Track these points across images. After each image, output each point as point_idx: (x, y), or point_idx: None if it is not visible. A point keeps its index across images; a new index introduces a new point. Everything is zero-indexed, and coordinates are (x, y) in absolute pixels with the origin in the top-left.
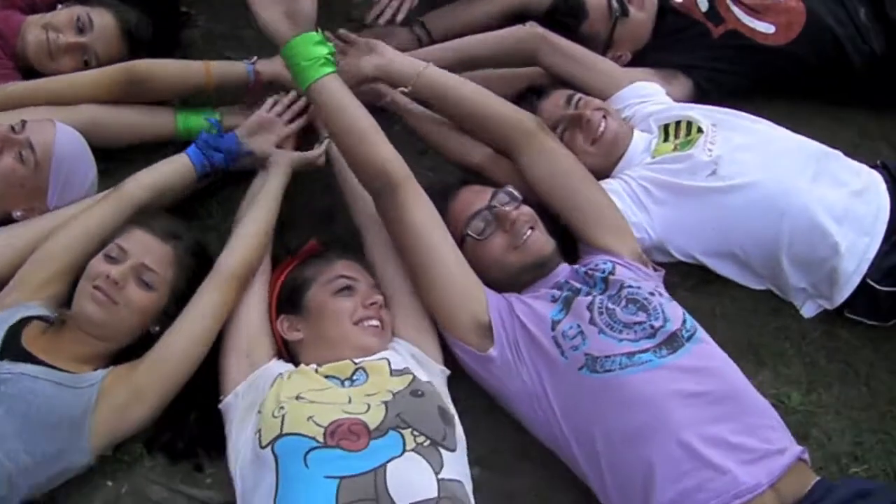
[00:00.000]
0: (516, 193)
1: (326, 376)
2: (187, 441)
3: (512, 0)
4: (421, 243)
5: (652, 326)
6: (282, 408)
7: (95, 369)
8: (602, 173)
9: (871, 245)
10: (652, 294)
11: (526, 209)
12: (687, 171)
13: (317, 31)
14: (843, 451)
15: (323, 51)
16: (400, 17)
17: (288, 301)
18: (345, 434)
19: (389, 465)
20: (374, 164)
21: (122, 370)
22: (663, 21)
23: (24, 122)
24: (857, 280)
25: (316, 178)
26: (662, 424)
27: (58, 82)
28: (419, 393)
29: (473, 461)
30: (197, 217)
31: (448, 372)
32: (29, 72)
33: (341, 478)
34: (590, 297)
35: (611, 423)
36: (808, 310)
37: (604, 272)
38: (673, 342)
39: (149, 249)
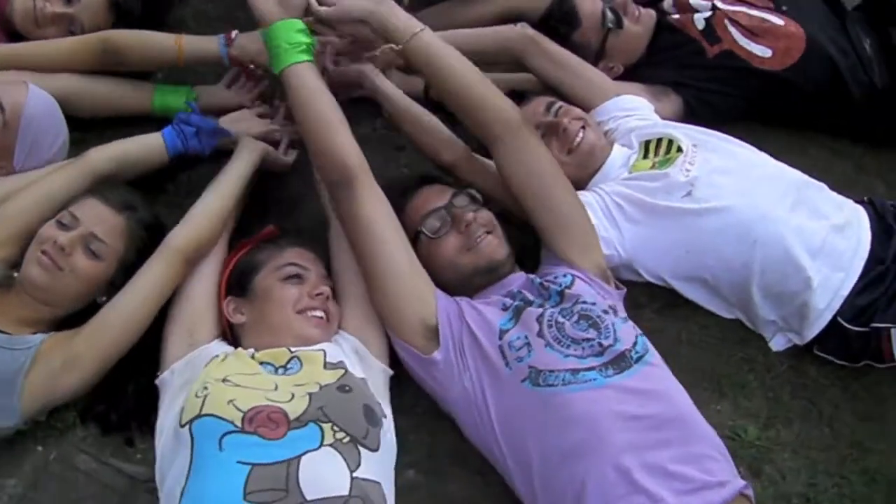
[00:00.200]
0: (477, 196)
1: (261, 362)
2: (121, 414)
3: (507, 3)
4: (372, 239)
5: (601, 344)
6: (206, 388)
7: (36, 333)
8: (576, 185)
9: (845, 282)
10: (606, 312)
11: (485, 213)
12: (662, 191)
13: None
14: (796, 491)
15: (304, 39)
16: None
17: (237, 283)
18: (263, 421)
19: (304, 458)
20: (334, 154)
21: (61, 336)
22: (659, 37)
23: None
24: (828, 317)
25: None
26: (599, 445)
27: (35, 47)
28: (346, 388)
29: (410, 463)
30: (165, 192)
31: (391, 372)
32: (15, 35)
33: (254, 465)
34: (541, 310)
35: (547, 439)
36: (777, 343)
37: (561, 286)
38: (620, 362)
39: (100, 219)
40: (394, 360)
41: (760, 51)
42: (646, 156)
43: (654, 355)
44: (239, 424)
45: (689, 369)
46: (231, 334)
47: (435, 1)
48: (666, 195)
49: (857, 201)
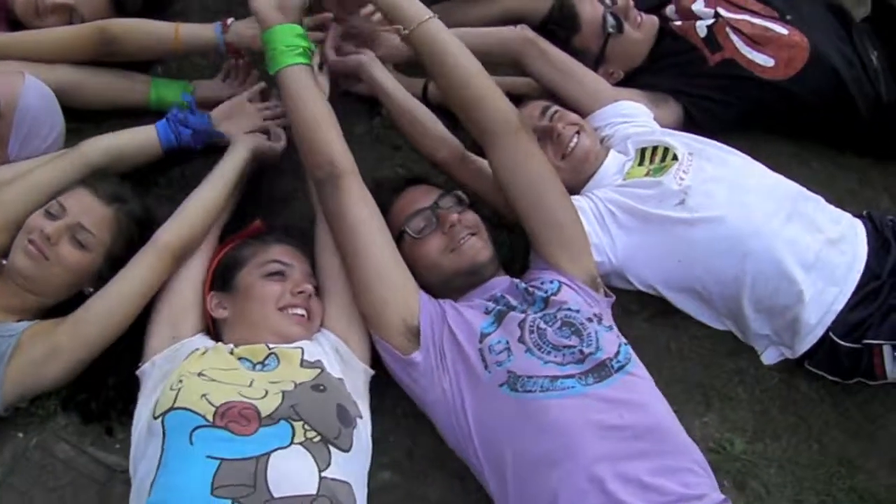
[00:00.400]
0: (464, 198)
1: (239, 358)
2: (102, 403)
3: (509, 6)
4: (357, 238)
5: (581, 352)
6: (181, 381)
7: (21, 321)
8: (570, 190)
9: (839, 297)
10: (590, 320)
11: (470, 215)
12: (655, 199)
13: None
14: None
15: (302, 43)
16: None
17: (221, 278)
18: (235, 417)
19: (273, 455)
20: (323, 152)
21: (45, 325)
22: (661, 43)
23: None
24: (820, 332)
25: (282, 163)
26: (574, 454)
27: (33, 36)
28: (321, 388)
29: (388, 465)
30: (157, 185)
31: (372, 372)
32: (16, 24)
33: (223, 460)
34: (523, 315)
35: (523, 445)
36: (768, 356)
37: (547, 292)
38: (601, 371)
39: (88, 210)
40: (377, 361)
41: (763, 60)
42: (641, 163)
43: (636, 365)
44: (210, 419)
45: (677, 380)
46: (214, 329)
47: (436, 1)
48: (659, 203)
49: (855, 215)
